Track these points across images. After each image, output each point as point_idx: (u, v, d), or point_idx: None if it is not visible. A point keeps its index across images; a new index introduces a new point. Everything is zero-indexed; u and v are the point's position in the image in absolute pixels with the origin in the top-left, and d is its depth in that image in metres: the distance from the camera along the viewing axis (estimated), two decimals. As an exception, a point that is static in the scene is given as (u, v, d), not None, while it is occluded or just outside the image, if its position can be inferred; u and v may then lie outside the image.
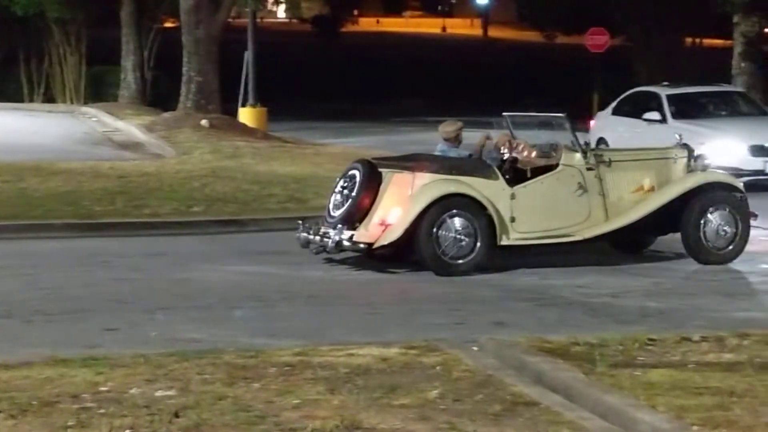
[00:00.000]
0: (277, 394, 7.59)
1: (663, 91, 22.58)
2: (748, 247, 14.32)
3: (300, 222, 13.76)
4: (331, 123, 36.59)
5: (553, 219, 13.33)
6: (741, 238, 13.77)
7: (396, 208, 12.88)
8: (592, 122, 24.42)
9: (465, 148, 13.93)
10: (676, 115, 21.51)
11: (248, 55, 28.47)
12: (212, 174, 19.79)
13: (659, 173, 13.95)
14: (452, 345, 9.03)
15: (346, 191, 13.26)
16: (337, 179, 13.73)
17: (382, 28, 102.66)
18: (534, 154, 13.69)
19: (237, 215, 16.63)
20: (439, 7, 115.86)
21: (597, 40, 41.41)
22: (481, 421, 7.07)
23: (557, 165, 13.52)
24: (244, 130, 27.03)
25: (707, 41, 59.85)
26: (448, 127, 13.98)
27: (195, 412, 7.16)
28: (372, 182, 13.16)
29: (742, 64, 39.78)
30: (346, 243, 12.89)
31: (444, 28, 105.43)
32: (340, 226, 12.94)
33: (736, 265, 13.58)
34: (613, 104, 23.93)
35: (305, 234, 13.41)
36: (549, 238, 13.31)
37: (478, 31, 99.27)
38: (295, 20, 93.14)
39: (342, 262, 13.51)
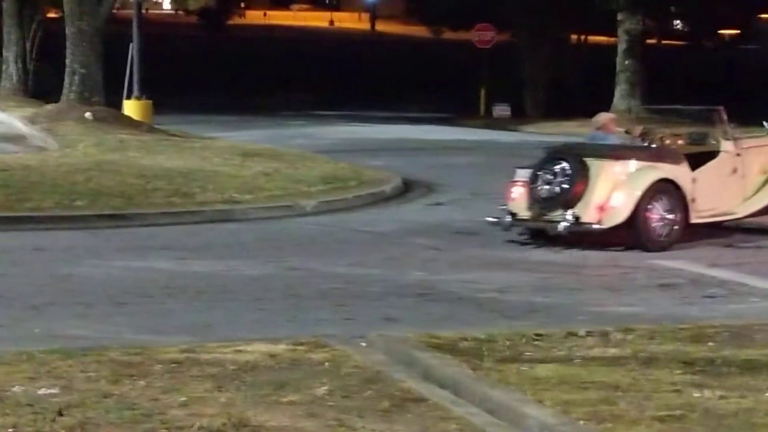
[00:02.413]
0: (163, 392, 7.48)
1: None
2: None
3: (502, 207, 14.94)
4: (219, 116, 36.37)
5: (719, 199, 15.11)
6: None
7: (617, 193, 14.35)
8: None
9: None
10: None
11: (133, 47, 28.15)
12: (96, 167, 19.51)
13: None
14: (341, 341, 9.00)
15: (557, 179, 14.51)
16: (525, 170, 14.91)
17: (270, 21, 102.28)
18: (681, 141, 15.53)
19: (122, 209, 16.42)
20: (327, 1, 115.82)
21: (483, 35, 41.71)
22: (370, 417, 7.05)
23: (714, 151, 15.28)
24: (129, 123, 26.72)
25: (592, 38, 60.64)
26: (602, 117, 15.92)
27: (79, 410, 7.04)
28: (583, 171, 14.49)
29: (626, 61, 40.43)
30: (575, 226, 14.25)
31: (332, 22, 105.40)
32: (572, 210, 14.23)
33: (621, 260, 13.76)
34: None
35: (508, 218, 14.70)
36: (718, 216, 15.18)
37: (366, 26, 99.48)
38: (181, 12, 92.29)
39: (231, 257, 13.43)
